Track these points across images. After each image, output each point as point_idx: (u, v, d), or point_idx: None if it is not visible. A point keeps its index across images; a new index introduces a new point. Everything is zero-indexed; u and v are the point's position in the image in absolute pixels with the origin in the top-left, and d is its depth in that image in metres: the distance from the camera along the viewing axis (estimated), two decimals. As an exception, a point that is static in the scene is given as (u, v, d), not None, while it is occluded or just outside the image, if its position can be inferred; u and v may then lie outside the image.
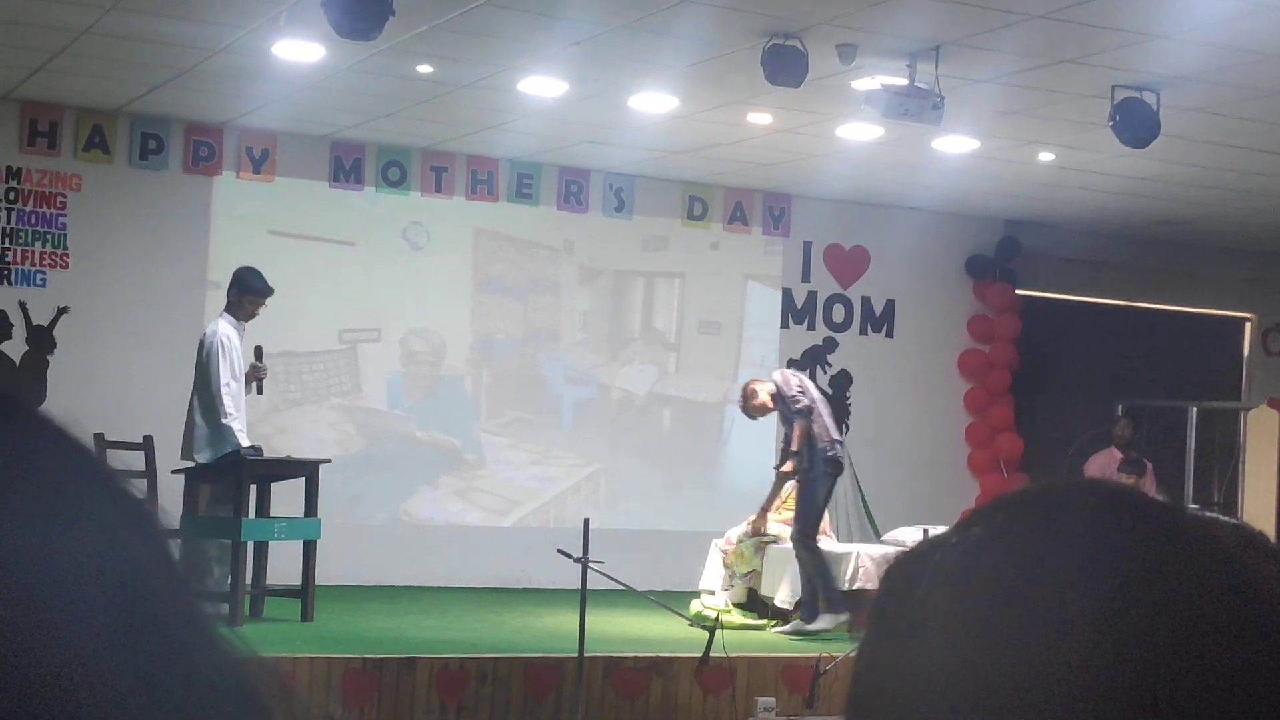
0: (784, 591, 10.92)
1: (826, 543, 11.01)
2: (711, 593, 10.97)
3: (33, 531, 0.56)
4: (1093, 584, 0.77)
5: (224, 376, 9.50)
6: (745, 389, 10.96)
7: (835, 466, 10.54)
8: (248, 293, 9.76)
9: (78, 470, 0.59)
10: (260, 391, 10.03)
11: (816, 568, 10.42)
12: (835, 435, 10.63)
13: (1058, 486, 0.85)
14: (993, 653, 0.77)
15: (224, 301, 9.97)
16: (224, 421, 9.46)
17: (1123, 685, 0.74)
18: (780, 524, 11.14)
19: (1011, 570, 0.79)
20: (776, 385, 10.69)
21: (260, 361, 9.86)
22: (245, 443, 9.55)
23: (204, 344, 9.69)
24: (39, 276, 11.71)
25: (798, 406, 10.48)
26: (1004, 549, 0.81)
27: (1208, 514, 0.84)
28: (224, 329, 9.64)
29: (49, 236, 11.77)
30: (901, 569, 0.85)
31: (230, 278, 9.98)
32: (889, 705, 0.81)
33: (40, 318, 11.51)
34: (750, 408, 10.87)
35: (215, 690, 0.58)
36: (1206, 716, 0.74)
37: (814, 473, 10.50)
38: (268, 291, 9.82)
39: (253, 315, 9.80)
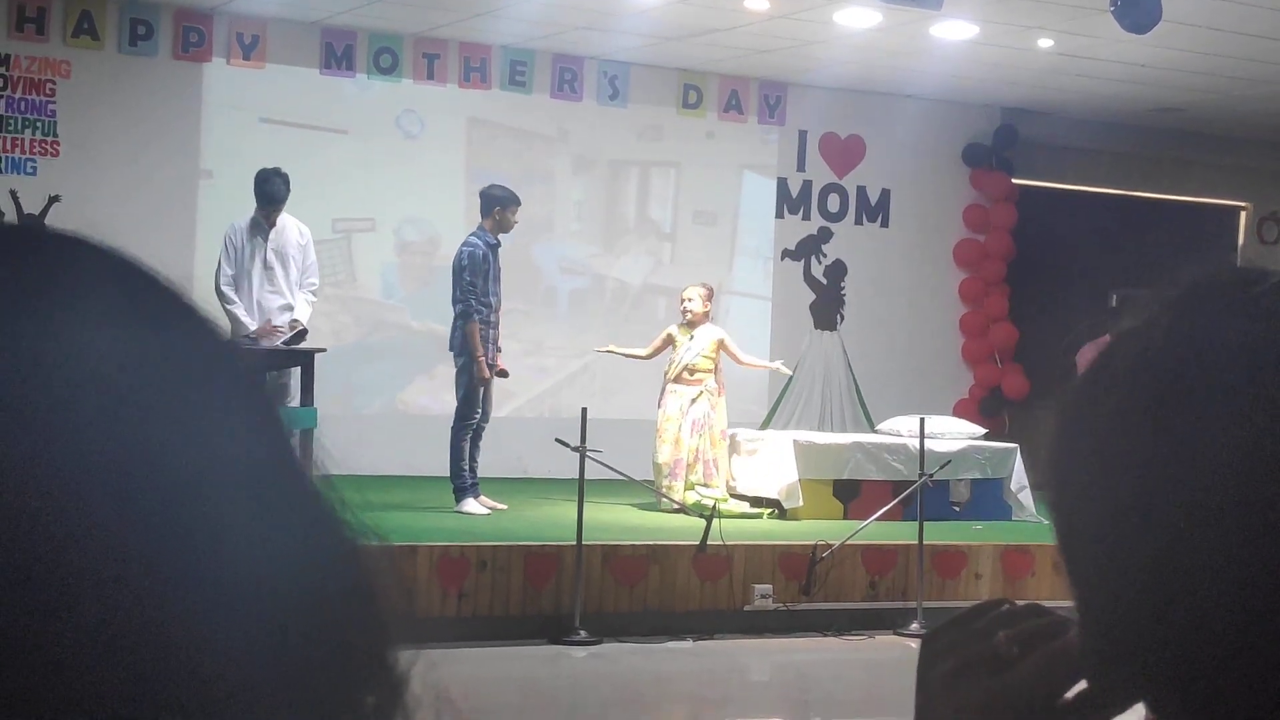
0: (760, 481, 11.13)
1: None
2: (707, 484, 11.00)
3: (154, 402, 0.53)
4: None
5: (225, 271, 9.91)
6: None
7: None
8: (256, 199, 10.06)
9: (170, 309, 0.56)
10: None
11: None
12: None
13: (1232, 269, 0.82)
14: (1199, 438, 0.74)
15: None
16: (226, 308, 9.70)
17: None
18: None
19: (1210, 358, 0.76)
20: None
21: (277, 325, 9.96)
22: (245, 331, 9.67)
23: None
24: (30, 165, 11.60)
25: None
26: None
27: None
28: (232, 227, 10.06)
29: (39, 124, 11.64)
30: (1094, 365, 0.82)
31: None
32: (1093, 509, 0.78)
33: (31, 207, 11.41)
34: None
35: (333, 565, 0.56)
36: None
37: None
38: (270, 197, 9.96)
39: (271, 218, 10.01)
